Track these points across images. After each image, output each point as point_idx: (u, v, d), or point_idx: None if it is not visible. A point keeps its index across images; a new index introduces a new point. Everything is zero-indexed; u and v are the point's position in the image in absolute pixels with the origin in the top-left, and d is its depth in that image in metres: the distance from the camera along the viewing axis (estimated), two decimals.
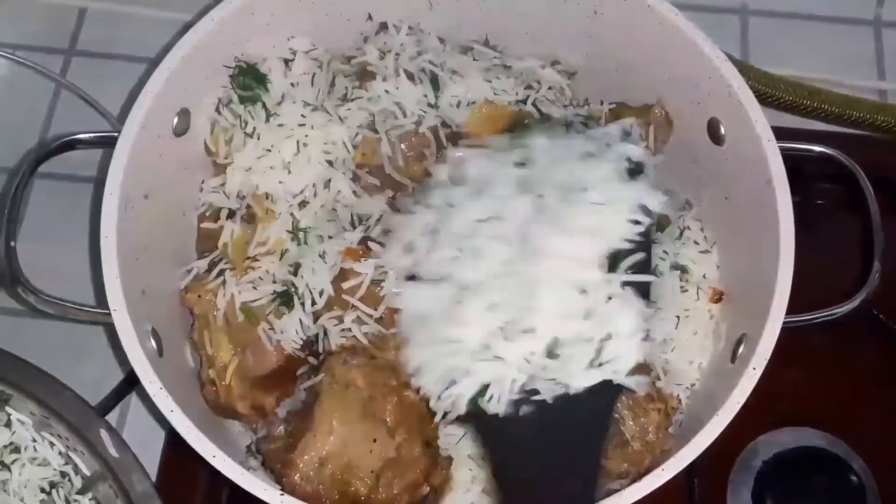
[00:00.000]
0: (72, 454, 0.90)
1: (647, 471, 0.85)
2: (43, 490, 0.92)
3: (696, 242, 1.02)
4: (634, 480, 0.82)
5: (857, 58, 1.32)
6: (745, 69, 1.22)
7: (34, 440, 0.91)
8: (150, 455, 1.01)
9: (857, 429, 1.07)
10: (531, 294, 0.82)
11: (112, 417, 1.01)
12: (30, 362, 0.90)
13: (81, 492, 0.91)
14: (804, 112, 1.25)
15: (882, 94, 1.30)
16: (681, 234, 1.03)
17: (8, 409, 0.91)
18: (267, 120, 0.98)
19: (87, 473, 0.90)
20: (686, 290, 1.00)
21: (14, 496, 0.91)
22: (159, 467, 1.02)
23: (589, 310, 0.82)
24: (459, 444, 0.94)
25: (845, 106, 1.25)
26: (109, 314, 0.84)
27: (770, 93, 1.24)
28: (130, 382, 0.96)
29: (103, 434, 0.88)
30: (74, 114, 1.24)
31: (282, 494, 0.78)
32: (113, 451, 0.87)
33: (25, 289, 0.89)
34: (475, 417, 0.83)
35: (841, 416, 1.07)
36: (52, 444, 0.91)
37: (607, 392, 0.82)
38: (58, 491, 0.91)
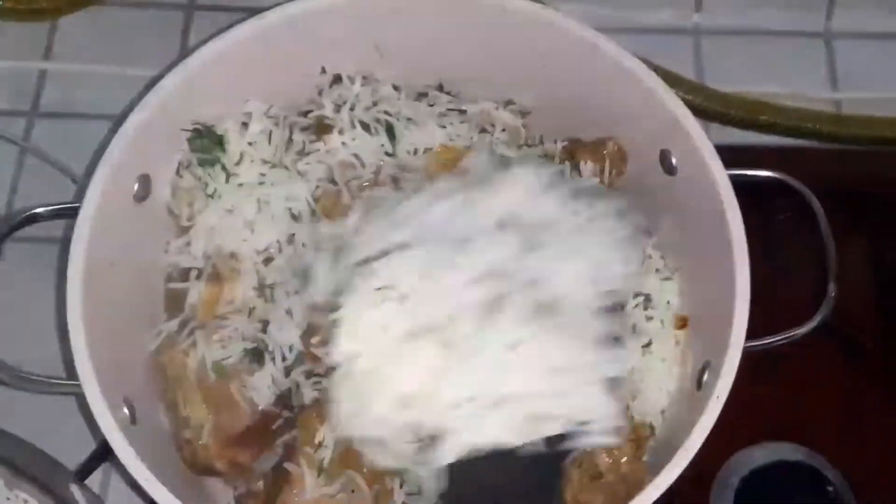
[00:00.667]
0: None
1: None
2: None
3: (657, 270, 1.03)
4: None
5: (810, 70, 1.34)
6: (698, 91, 1.25)
7: (8, 499, 0.90)
8: None
9: (831, 441, 1.08)
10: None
11: (94, 487, 1.01)
12: None
13: None
14: (760, 128, 1.27)
15: (837, 105, 1.32)
16: (643, 262, 1.04)
17: None
18: (227, 180, 0.99)
19: None
20: (651, 319, 1.01)
21: None
22: None
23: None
24: None
25: (801, 119, 1.27)
26: (80, 385, 0.84)
27: (725, 112, 1.26)
28: (106, 450, 0.96)
29: (73, 489, 0.87)
30: (42, 178, 1.24)
31: None
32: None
33: None
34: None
35: (816, 429, 1.09)
36: (25, 501, 0.90)
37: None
38: None
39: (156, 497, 0.81)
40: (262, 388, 0.94)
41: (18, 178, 1.26)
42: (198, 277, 0.99)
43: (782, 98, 1.28)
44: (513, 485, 0.86)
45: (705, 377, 0.92)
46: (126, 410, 0.89)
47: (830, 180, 1.17)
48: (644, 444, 0.95)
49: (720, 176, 0.93)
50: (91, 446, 1.00)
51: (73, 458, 0.98)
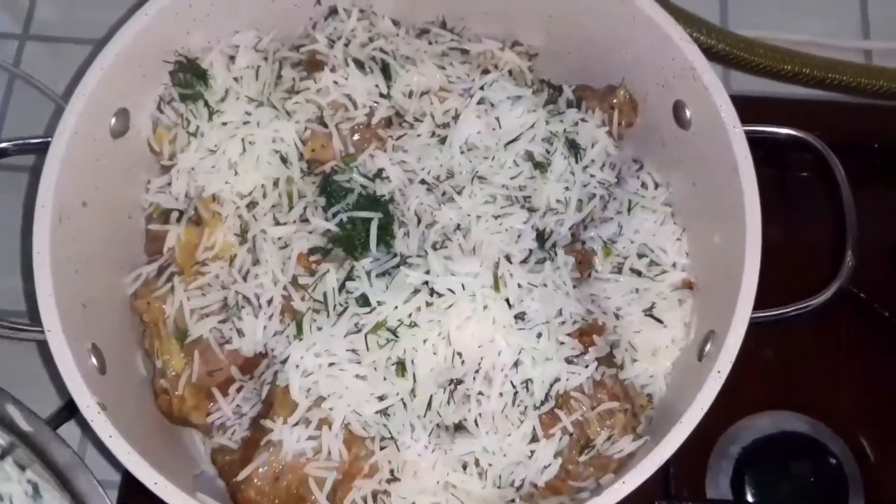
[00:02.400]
0: None
1: (615, 473, 0.83)
2: None
3: (661, 224, 0.98)
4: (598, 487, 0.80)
5: (841, 17, 1.27)
6: (721, 35, 1.17)
7: None
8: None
9: (837, 411, 1.04)
10: None
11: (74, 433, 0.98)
12: None
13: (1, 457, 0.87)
14: (784, 77, 1.20)
15: (867, 55, 1.25)
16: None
17: None
18: (210, 118, 0.93)
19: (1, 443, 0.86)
20: (655, 279, 0.96)
21: None
22: (121, 482, 1.00)
23: None
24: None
25: (827, 70, 1.20)
26: (43, 332, 0.80)
27: (748, 58, 1.19)
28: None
29: (11, 410, 0.84)
30: (32, 103, 1.20)
31: None
32: (26, 426, 0.84)
33: None
34: None
35: (821, 399, 1.05)
36: None
37: None
38: None
39: (118, 455, 0.77)
40: (253, 335, 0.89)
41: (7, 104, 1.21)
42: (178, 220, 0.94)
43: (809, 46, 1.21)
44: None
45: (708, 347, 0.87)
46: (94, 360, 0.85)
47: (854, 136, 1.11)
48: (640, 415, 0.91)
49: (735, 133, 0.87)
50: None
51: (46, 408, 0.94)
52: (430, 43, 0.99)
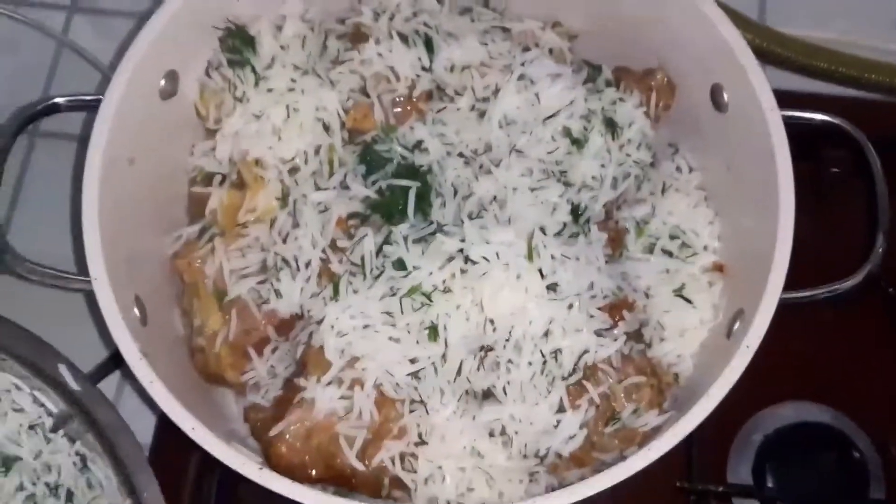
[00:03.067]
0: (37, 393, 0.89)
1: (639, 447, 0.84)
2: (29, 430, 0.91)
3: (695, 207, 0.99)
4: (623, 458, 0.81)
5: (878, 17, 1.27)
6: (758, 31, 1.18)
7: (10, 389, 0.89)
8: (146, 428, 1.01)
9: (861, 403, 1.04)
10: None
11: (109, 392, 1.00)
12: None
13: (54, 430, 0.90)
14: (820, 75, 1.21)
15: None
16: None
17: None
18: (256, 84, 0.95)
19: (55, 411, 0.89)
20: (686, 261, 0.97)
21: (10, 443, 0.90)
22: (153, 437, 1.02)
23: None
24: None
25: (862, 69, 1.20)
26: (89, 281, 0.82)
27: (784, 54, 1.20)
28: (118, 357, 0.95)
29: (62, 369, 0.86)
30: (78, 72, 1.22)
31: (260, 468, 0.77)
32: (74, 385, 0.86)
33: (8, 255, 0.88)
34: None
35: (845, 390, 1.05)
36: (17, 386, 0.90)
37: None
38: (36, 431, 0.91)
39: (157, 400, 0.79)
40: (291, 296, 0.91)
41: (55, 72, 1.24)
42: (221, 183, 0.96)
43: (846, 45, 1.22)
44: None
45: (736, 326, 0.88)
46: (136, 311, 0.87)
47: (890, 134, 1.11)
48: (666, 392, 0.92)
49: (773, 116, 0.88)
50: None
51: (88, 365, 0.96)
52: (472, 21, 1.00)
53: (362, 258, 0.88)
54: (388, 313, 0.86)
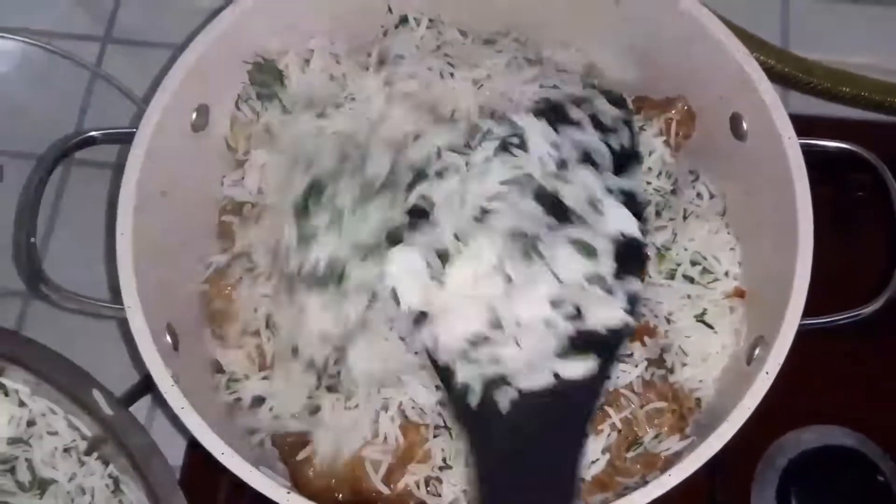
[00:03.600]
0: (71, 417, 0.91)
1: (661, 472, 0.85)
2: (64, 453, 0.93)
3: (716, 234, 1.00)
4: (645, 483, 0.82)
5: None
6: (780, 56, 1.19)
7: (45, 413, 0.92)
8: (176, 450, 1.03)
9: (885, 427, 1.04)
10: None
11: (140, 416, 1.00)
12: (16, 332, 0.90)
13: (87, 453, 0.92)
14: (842, 99, 1.22)
15: None
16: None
17: (2, 379, 0.92)
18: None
19: (89, 434, 0.91)
20: (708, 286, 0.98)
21: (45, 466, 0.92)
22: (184, 461, 1.04)
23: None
24: None
25: (885, 93, 1.21)
26: (124, 310, 0.85)
27: (806, 79, 1.21)
28: (150, 381, 0.97)
29: (96, 394, 0.88)
30: (111, 103, 1.25)
31: (288, 492, 0.79)
32: (107, 410, 0.88)
33: (44, 284, 0.91)
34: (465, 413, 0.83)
35: (869, 414, 1.05)
36: (52, 410, 0.92)
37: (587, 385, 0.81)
38: (70, 454, 0.92)
39: (188, 425, 0.81)
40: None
41: (88, 103, 1.27)
42: (249, 213, 0.98)
43: (869, 69, 1.22)
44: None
45: (757, 352, 0.89)
46: (168, 338, 0.89)
47: None
48: (688, 417, 0.93)
49: (791, 144, 0.89)
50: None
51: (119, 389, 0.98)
52: (497, 52, 1.02)
53: None
54: None
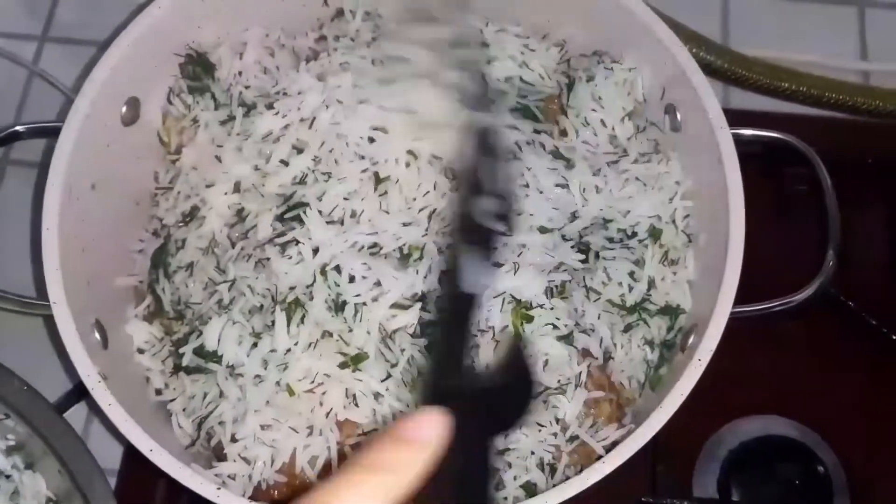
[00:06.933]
0: None
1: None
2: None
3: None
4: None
5: (840, 38, 1.29)
6: (720, 52, 1.20)
7: None
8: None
9: (825, 416, 1.05)
10: None
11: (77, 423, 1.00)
12: None
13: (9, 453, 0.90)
14: (782, 95, 1.23)
15: (865, 76, 1.27)
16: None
17: None
18: (216, 110, 0.97)
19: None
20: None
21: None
22: (120, 466, 1.02)
23: None
24: None
25: (824, 88, 1.22)
26: (49, 306, 0.83)
27: (746, 75, 1.21)
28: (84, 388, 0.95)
29: (18, 392, 0.86)
30: (48, 101, 1.23)
31: (218, 489, 0.78)
32: (30, 409, 0.86)
33: None
34: None
35: (810, 404, 1.05)
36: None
37: None
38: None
39: (116, 423, 0.80)
40: None
41: (24, 101, 1.25)
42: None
43: (809, 66, 1.23)
44: None
45: (691, 339, 0.89)
46: (97, 334, 0.87)
47: (850, 153, 1.13)
48: (626, 407, 0.93)
49: (722, 133, 0.89)
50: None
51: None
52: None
53: None
54: None
